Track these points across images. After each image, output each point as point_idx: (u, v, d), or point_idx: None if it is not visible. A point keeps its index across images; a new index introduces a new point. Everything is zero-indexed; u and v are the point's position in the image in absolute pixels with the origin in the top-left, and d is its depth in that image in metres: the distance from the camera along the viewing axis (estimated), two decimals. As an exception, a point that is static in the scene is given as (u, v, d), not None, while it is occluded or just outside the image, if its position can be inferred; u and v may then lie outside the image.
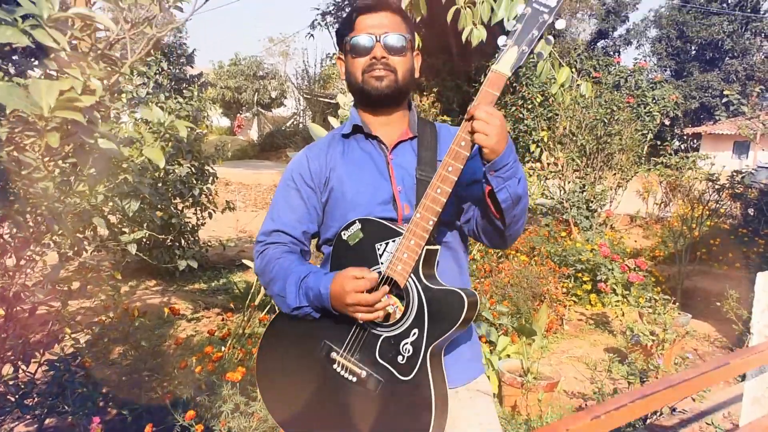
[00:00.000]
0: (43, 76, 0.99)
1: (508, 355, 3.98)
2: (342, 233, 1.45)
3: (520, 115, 10.45)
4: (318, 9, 18.66)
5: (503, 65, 1.29)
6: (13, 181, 1.02)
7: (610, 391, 3.30)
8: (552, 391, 3.55)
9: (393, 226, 1.39)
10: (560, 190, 8.35)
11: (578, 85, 3.06)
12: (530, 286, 5.07)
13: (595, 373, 3.43)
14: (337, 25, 1.46)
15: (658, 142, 8.04)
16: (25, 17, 0.88)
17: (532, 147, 9.94)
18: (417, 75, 1.58)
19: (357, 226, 1.43)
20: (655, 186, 8.24)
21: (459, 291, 1.33)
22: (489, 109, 1.28)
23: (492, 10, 2.23)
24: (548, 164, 9.33)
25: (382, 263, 1.39)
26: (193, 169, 6.03)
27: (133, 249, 3.87)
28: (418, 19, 2.67)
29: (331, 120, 3.38)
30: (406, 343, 1.35)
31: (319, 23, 18.57)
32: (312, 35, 18.81)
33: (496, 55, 1.31)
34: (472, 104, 1.31)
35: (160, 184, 5.89)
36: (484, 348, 4.03)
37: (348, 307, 1.34)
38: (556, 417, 3.47)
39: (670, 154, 6.81)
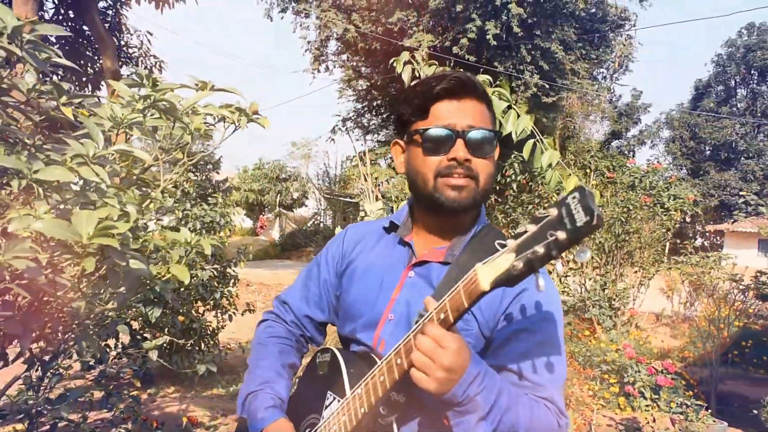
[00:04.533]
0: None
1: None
2: (318, 354, 1.24)
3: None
4: (339, 115, 19.60)
5: (486, 274, 0.87)
6: (48, 302, 1.10)
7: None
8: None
9: (347, 384, 1.11)
10: (581, 287, 8.26)
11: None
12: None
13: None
14: (398, 111, 1.23)
15: (678, 241, 8.02)
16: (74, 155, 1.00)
17: (551, 246, 9.91)
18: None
19: (327, 357, 1.20)
20: (678, 284, 8.12)
21: None
22: (437, 333, 0.93)
23: (499, 123, 2.09)
24: (567, 261, 9.30)
25: (322, 417, 1.15)
26: (215, 272, 6.13)
27: (154, 355, 3.88)
28: None
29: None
30: None
31: (339, 128, 19.41)
32: (333, 139, 19.54)
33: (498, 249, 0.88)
34: (428, 314, 0.96)
35: (183, 289, 6.00)
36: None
37: None
38: None
39: (691, 253, 6.78)
